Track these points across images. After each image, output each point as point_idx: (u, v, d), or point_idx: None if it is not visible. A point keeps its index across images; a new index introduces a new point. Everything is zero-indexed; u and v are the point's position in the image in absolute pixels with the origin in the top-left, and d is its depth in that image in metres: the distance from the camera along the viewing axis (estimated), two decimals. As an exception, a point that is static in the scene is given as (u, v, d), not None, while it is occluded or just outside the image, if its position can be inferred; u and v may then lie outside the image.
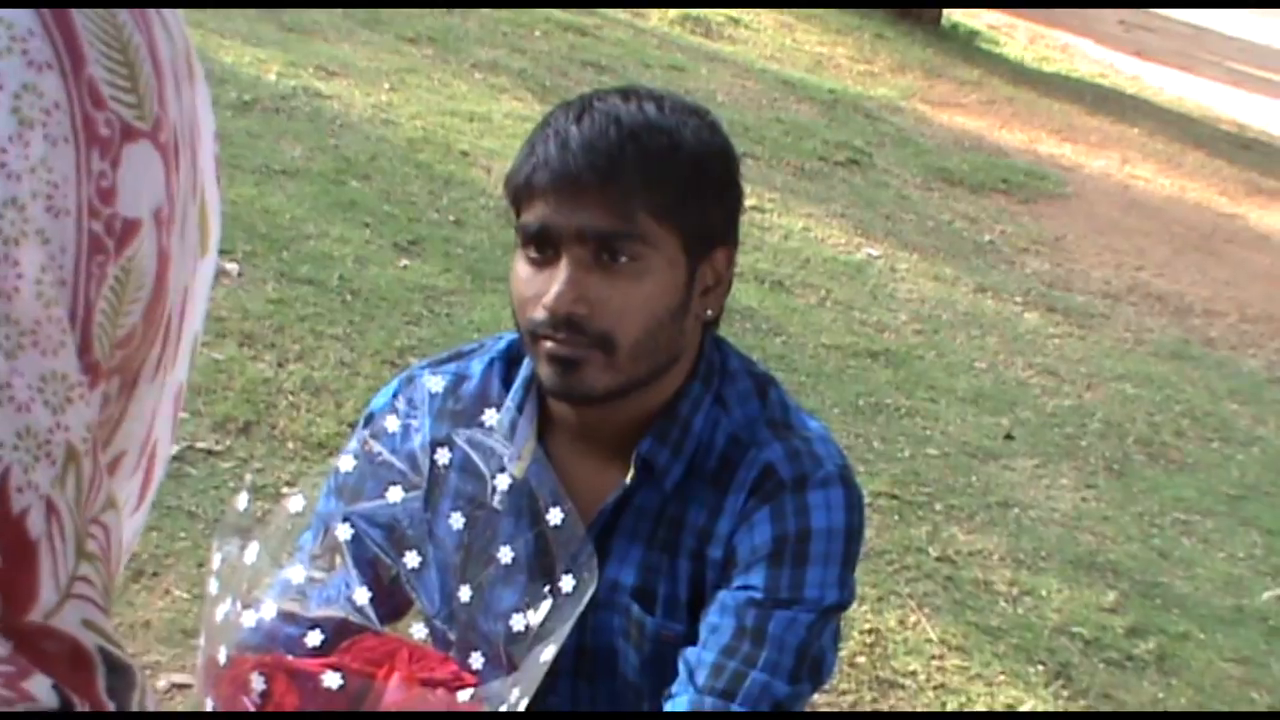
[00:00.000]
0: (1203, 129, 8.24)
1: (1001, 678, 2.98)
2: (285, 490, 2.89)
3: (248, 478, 2.95)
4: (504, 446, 1.41)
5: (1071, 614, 3.25)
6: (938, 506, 3.57)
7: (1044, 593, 3.31)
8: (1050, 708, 2.93)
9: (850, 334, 4.46)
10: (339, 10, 6.23)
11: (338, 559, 1.33)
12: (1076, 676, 3.05)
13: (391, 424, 1.44)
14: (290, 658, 1.22)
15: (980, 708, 2.88)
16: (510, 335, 1.51)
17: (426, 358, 1.61)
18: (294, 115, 4.93)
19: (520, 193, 1.39)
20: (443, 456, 1.40)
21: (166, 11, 0.59)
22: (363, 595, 1.29)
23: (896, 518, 3.47)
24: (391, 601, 1.42)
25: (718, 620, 1.39)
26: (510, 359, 1.51)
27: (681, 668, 1.39)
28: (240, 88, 4.99)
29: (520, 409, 1.47)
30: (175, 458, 2.89)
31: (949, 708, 2.86)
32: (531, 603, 1.30)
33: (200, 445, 3.03)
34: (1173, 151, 7.59)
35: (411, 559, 1.35)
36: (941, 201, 6.06)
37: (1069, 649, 3.13)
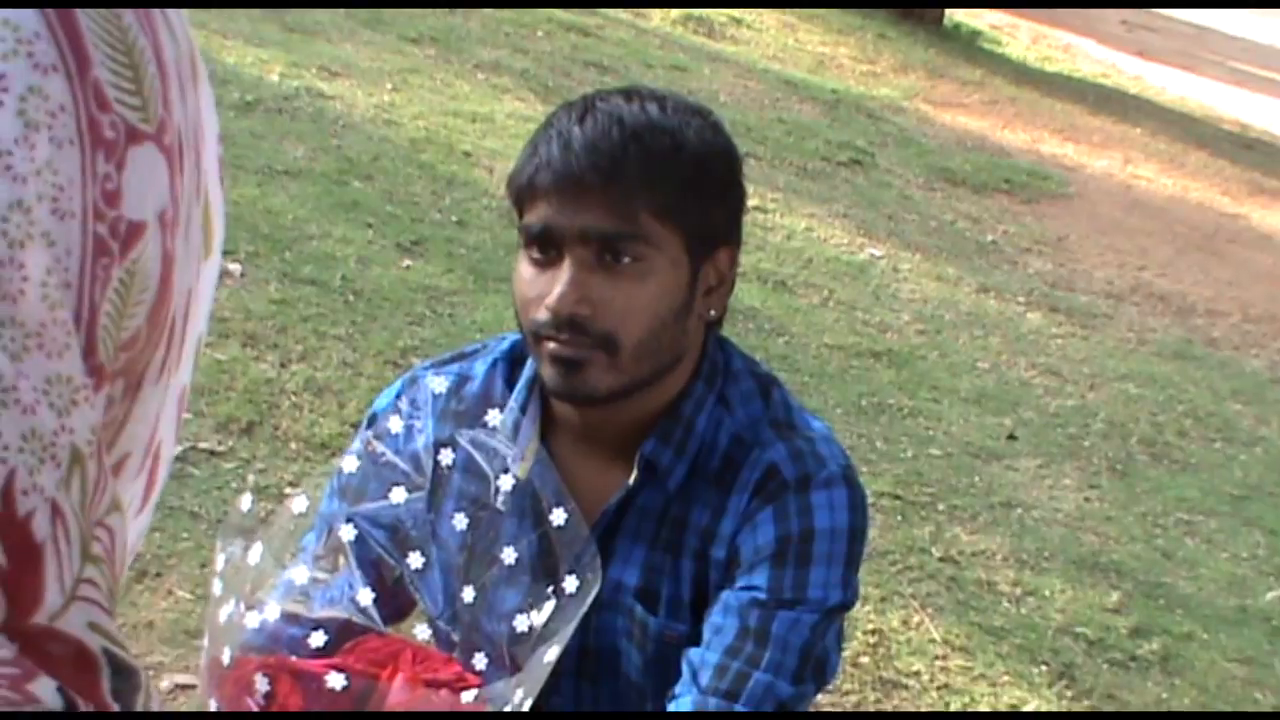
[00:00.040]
0: (1205, 129, 8.24)
1: (1005, 678, 2.98)
2: (288, 491, 2.89)
3: (250, 478, 2.95)
4: (507, 447, 1.41)
5: (1075, 614, 3.25)
6: (941, 507, 3.57)
7: (1047, 593, 3.31)
8: (1054, 708, 2.93)
9: (853, 334, 4.46)
10: (341, 10, 6.23)
11: (341, 560, 1.33)
12: (1080, 677, 3.04)
13: (395, 425, 1.44)
14: (294, 659, 1.22)
15: (984, 708, 2.88)
16: (513, 336, 1.51)
17: (429, 358, 1.61)
18: (297, 116, 4.94)
19: (523, 193, 1.39)
20: (446, 457, 1.40)
21: (171, 13, 0.59)
22: (366, 596, 1.29)
23: (899, 518, 3.47)
24: (395, 602, 1.42)
25: (721, 621, 1.39)
26: (513, 359, 1.51)
27: (685, 668, 1.39)
28: (243, 88, 4.99)
29: (523, 409, 1.47)
30: (178, 458, 2.89)
31: (952, 708, 2.86)
32: (535, 603, 1.30)
33: (203, 446, 3.03)
34: (1175, 151, 7.58)
35: (415, 560, 1.35)
36: (944, 201, 6.06)
37: (1072, 649, 3.13)
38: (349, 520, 1.35)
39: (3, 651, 0.52)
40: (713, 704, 1.35)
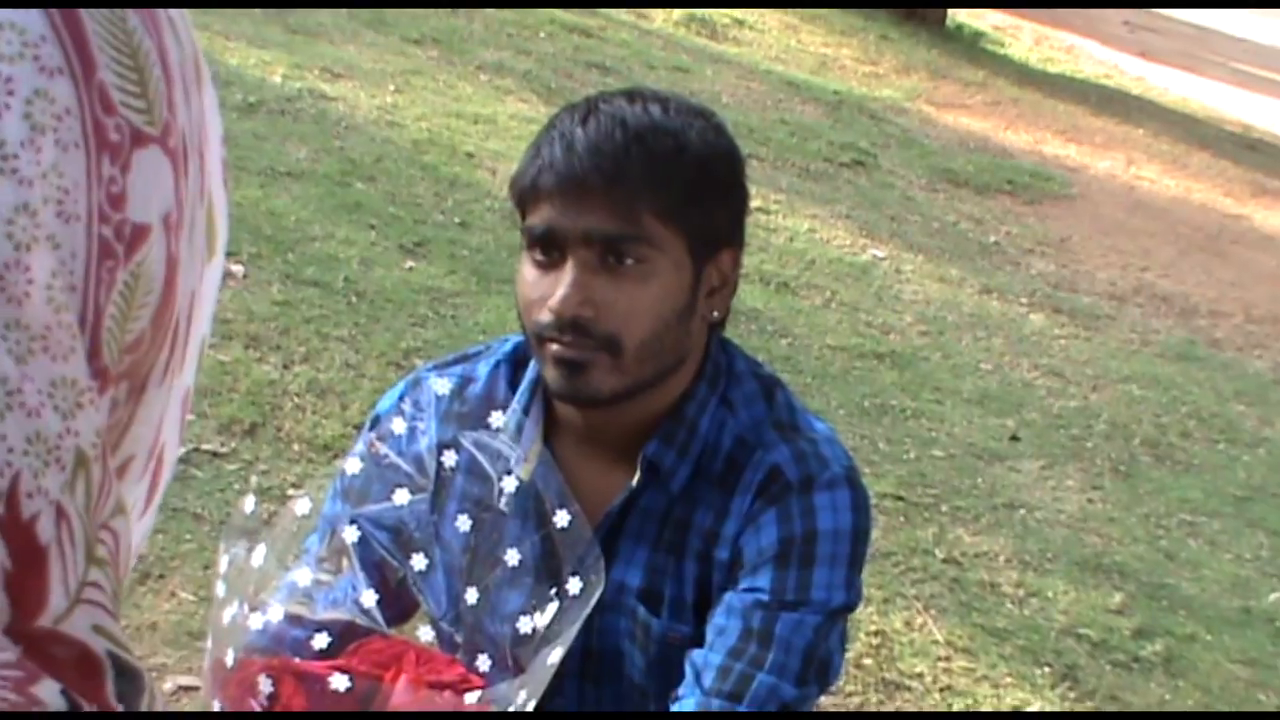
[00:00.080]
0: (1208, 130, 8.23)
1: (1008, 679, 2.98)
2: (291, 492, 2.89)
3: (253, 480, 2.96)
4: (510, 449, 1.41)
5: (1078, 615, 3.25)
6: (944, 508, 3.57)
7: (1050, 594, 3.31)
8: (1057, 709, 2.93)
9: (856, 335, 4.46)
10: (344, 12, 6.24)
11: (344, 561, 1.33)
12: (1083, 678, 3.04)
13: (398, 426, 1.43)
14: (298, 660, 1.22)
15: (987, 709, 2.88)
16: (516, 337, 1.51)
17: (432, 360, 1.61)
18: (299, 117, 4.94)
19: (526, 195, 1.39)
20: (449, 459, 1.40)
21: (176, 16, 0.59)
22: (369, 598, 1.29)
23: (902, 519, 3.47)
24: (398, 604, 1.42)
25: (724, 622, 1.39)
26: (516, 361, 1.51)
27: (688, 670, 1.39)
28: (245, 89, 5.00)
29: (526, 411, 1.47)
30: (181, 460, 2.89)
31: (955, 709, 2.86)
32: (538, 605, 1.30)
33: (206, 447, 3.03)
34: (1178, 152, 7.58)
35: (418, 561, 1.35)
36: (947, 203, 6.05)
37: (1076, 651, 3.13)
38: (352, 522, 1.34)
39: (6, 654, 0.52)
40: (716, 705, 1.35)
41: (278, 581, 1.29)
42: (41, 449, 0.52)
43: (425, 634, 1.34)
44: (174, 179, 0.57)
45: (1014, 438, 4.06)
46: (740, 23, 8.01)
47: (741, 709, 1.35)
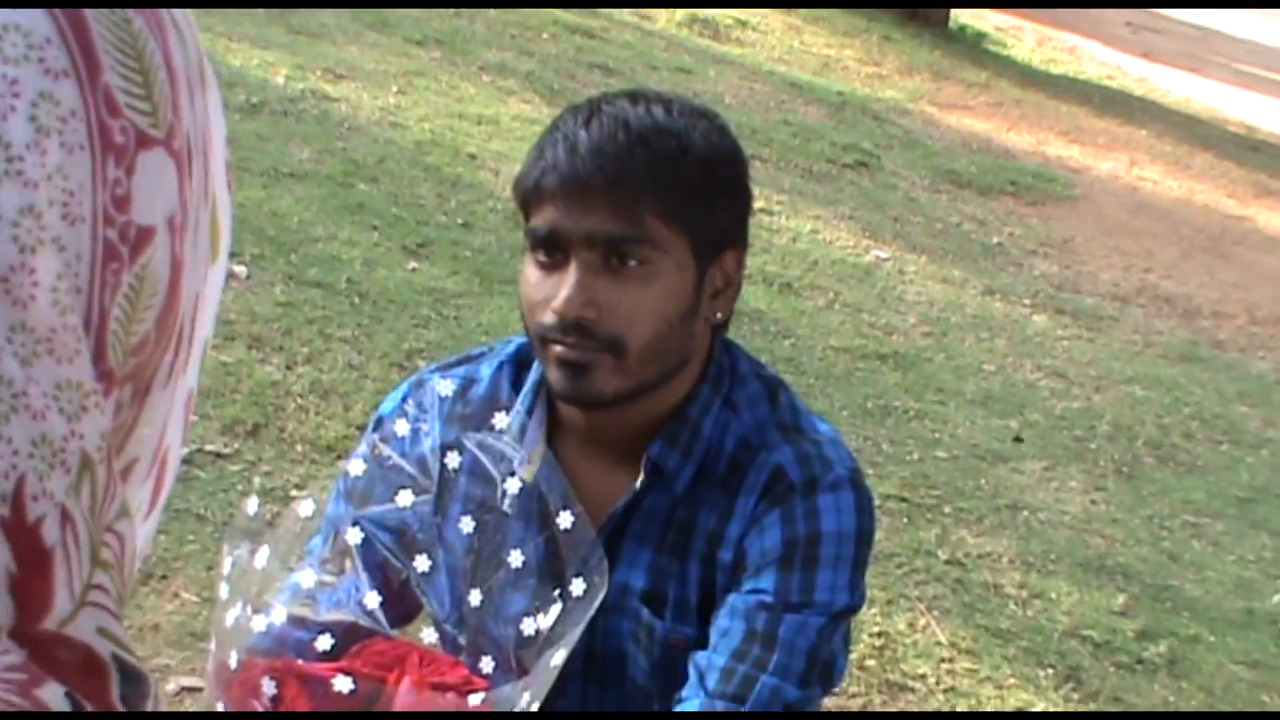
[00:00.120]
0: (1211, 131, 8.23)
1: (1011, 681, 2.98)
2: (294, 493, 2.89)
3: (256, 481, 2.96)
4: (513, 450, 1.41)
5: (1081, 617, 3.25)
6: (947, 509, 3.57)
7: (1054, 595, 3.31)
8: (1060, 711, 2.93)
9: (859, 336, 4.46)
10: (347, 13, 6.24)
11: (347, 563, 1.33)
12: (1087, 679, 3.04)
13: (401, 428, 1.43)
14: (301, 662, 1.22)
15: (990, 710, 2.88)
16: (519, 339, 1.51)
17: (435, 361, 1.61)
18: (302, 118, 4.94)
19: (529, 196, 1.39)
20: (452, 460, 1.40)
21: (180, 18, 0.59)
22: (373, 599, 1.29)
23: (905, 520, 3.47)
24: (401, 605, 1.42)
25: (728, 624, 1.39)
26: (519, 362, 1.51)
27: (692, 671, 1.39)
28: (248, 90, 5.00)
29: (529, 412, 1.46)
30: (184, 461, 2.89)
31: (959, 710, 2.86)
32: (541, 607, 1.30)
33: (209, 448, 3.03)
34: (1181, 153, 7.58)
35: (421, 563, 1.35)
36: (950, 204, 6.05)
37: (1079, 652, 3.13)
38: (355, 523, 1.34)
39: (11, 657, 0.52)
40: (719, 707, 1.35)
41: (281, 583, 1.29)
42: (46, 452, 0.52)
43: (428, 635, 1.34)
44: (179, 181, 0.57)
45: (1017, 439, 4.06)
46: (743, 24, 8.01)
47: (745, 710, 1.35)
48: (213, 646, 1.21)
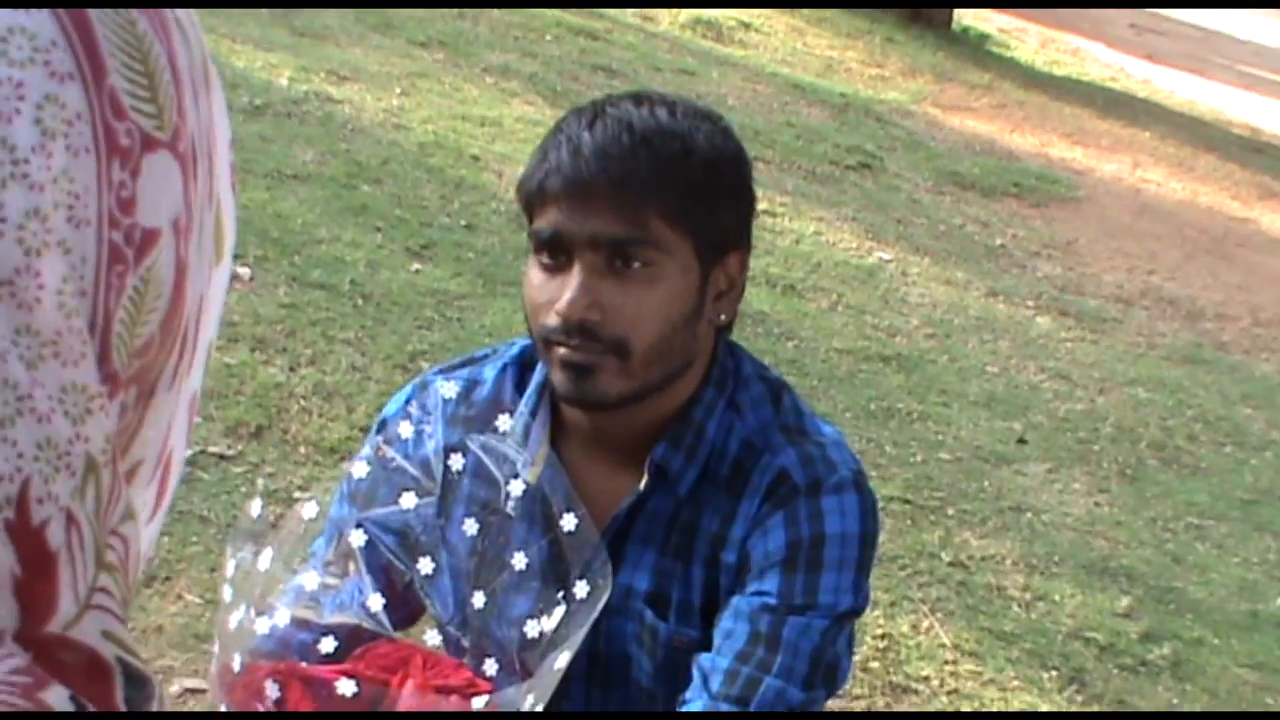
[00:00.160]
0: (1214, 133, 8.23)
1: (1015, 683, 2.97)
2: (297, 495, 2.89)
3: (259, 482, 2.96)
4: (517, 452, 1.41)
5: (1085, 619, 3.24)
6: (950, 511, 3.56)
7: (1057, 598, 3.30)
8: (1064, 712, 2.92)
9: (862, 338, 4.45)
10: (350, 15, 6.24)
11: (351, 565, 1.33)
12: (1090, 682, 3.04)
13: (405, 430, 1.43)
14: (305, 665, 1.22)
15: (994, 711, 2.87)
16: (523, 340, 1.51)
17: (438, 362, 1.62)
18: (305, 120, 4.94)
19: (533, 199, 1.39)
20: (456, 462, 1.40)
21: (185, 21, 0.59)
22: (377, 601, 1.29)
23: (909, 522, 3.46)
24: (405, 607, 1.42)
25: (732, 626, 1.39)
26: (523, 364, 1.51)
27: (695, 674, 1.39)
28: (252, 92, 5.00)
29: (533, 414, 1.46)
30: (187, 462, 2.89)
31: (962, 712, 2.85)
32: (545, 609, 1.30)
33: (212, 450, 3.03)
34: (1184, 155, 7.57)
35: (425, 565, 1.35)
36: (953, 205, 6.05)
37: (1083, 654, 3.12)
38: (359, 525, 1.34)
39: (16, 660, 0.52)
40: (723, 709, 1.35)
41: (284, 585, 1.29)
42: (52, 455, 0.52)
43: (432, 638, 1.34)
44: (183, 183, 0.57)
45: (1021, 441, 4.05)
46: (746, 25, 8.01)
47: (749, 712, 1.35)
48: (216, 649, 1.21)
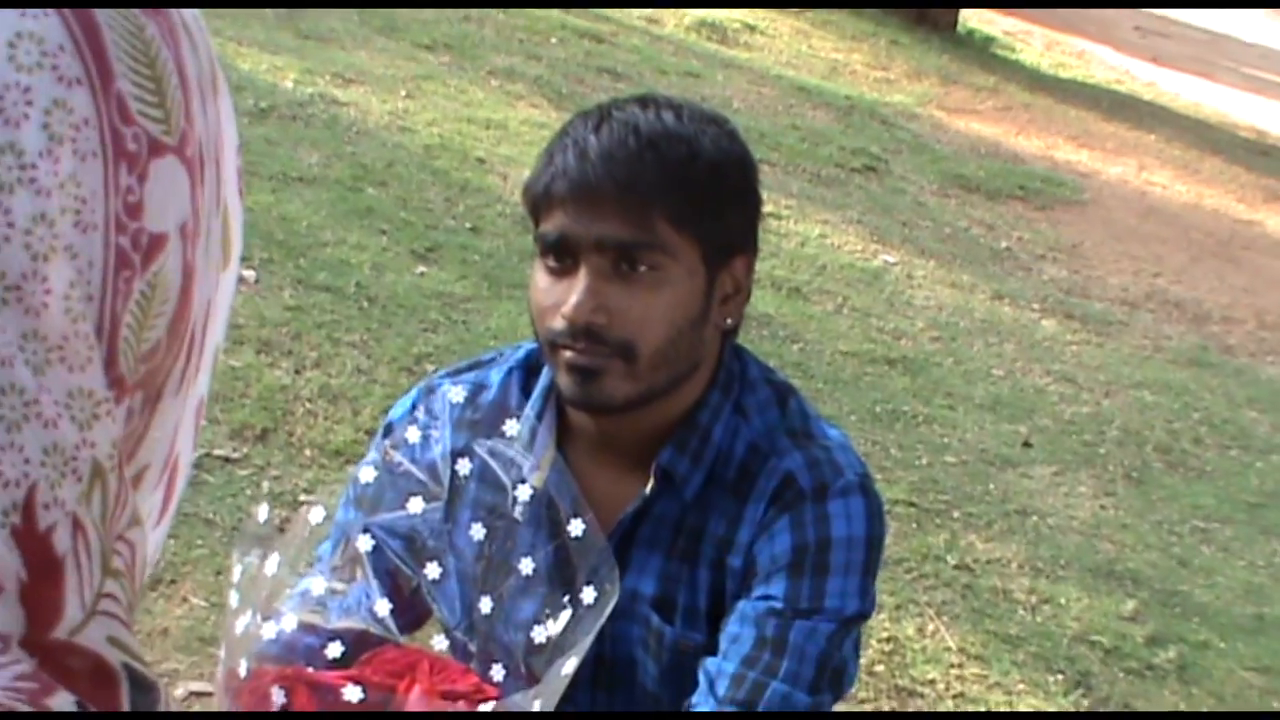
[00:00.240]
0: (1220, 135, 8.22)
1: (1021, 686, 2.97)
2: (303, 498, 2.89)
3: (265, 485, 2.96)
4: (524, 456, 1.41)
5: (1091, 622, 3.24)
6: (956, 514, 3.56)
7: (1063, 601, 3.30)
8: (1070, 713, 2.92)
9: (867, 341, 4.45)
10: (355, 18, 6.25)
11: (358, 570, 1.33)
12: (1096, 685, 3.03)
13: (411, 434, 1.43)
14: (311, 670, 1.22)
15: (1000, 711, 2.87)
16: (529, 344, 1.51)
17: (443, 365, 1.61)
18: (311, 122, 4.95)
19: (539, 202, 1.39)
20: (463, 467, 1.40)
21: (193, 25, 0.59)
22: (383, 606, 1.29)
23: (914, 526, 3.46)
24: (411, 612, 1.42)
25: (738, 630, 1.39)
26: (529, 368, 1.51)
27: (701, 678, 1.38)
28: (257, 95, 5.01)
29: (539, 418, 1.46)
30: (192, 465, 2.89)
31: (968, 712, 2.85)
32: (552, 614, 1.30)
33: (218, 453, 3.03)
34: (1190, 158, 7.56)
35: (432, 570, 1.34)
36: (958, 208, 6.05)
37: (1088, 658, 3.12)
38: (365, 530, 1.34)
39: (22, 665, 0.52)
40: (730, 713, 1.35)
41: (291, 590, 1.28)
42: (58, 460, 0.52)
43: (439, 643, 1.34)
44: (190, 188, 0.57)
45: (1026, 444, 4.05)
46: (751, 28, 8.01)
47: (757, 713, 1.35)
48: (222, 654, 1.21)
